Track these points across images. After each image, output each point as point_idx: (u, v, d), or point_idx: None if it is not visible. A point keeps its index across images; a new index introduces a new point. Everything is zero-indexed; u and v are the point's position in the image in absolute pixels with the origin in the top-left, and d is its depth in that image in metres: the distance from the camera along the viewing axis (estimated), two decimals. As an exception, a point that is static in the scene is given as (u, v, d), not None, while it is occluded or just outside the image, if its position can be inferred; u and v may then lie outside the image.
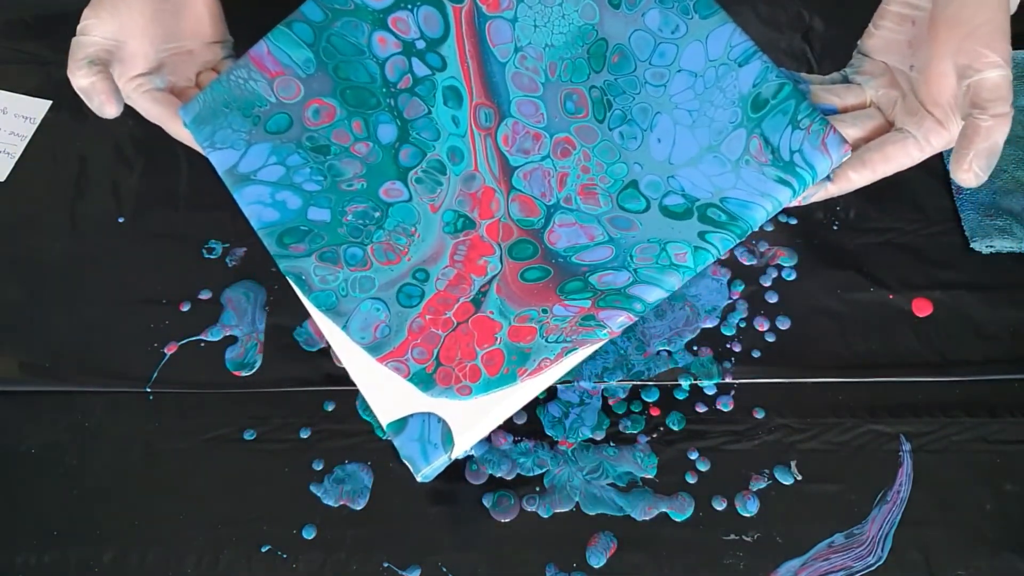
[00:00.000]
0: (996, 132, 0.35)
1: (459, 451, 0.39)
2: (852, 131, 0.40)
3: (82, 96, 0.43)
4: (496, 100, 0.42)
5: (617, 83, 0.41)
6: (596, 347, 0.39)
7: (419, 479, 0.39)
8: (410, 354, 0.39)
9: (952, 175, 0.37)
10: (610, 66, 0.41)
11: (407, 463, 0.39)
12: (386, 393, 0.39)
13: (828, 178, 0.39)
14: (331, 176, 0.42)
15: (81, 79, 0.42)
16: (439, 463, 0.39)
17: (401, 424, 0.39)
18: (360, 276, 0.41)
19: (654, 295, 0.38)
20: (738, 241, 0.38)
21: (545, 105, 0.42)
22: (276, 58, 0.43)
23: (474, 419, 0.39)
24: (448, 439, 0.38)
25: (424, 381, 0.39)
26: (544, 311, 0.39)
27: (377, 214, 0.41)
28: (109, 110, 0.42)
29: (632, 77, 0.41)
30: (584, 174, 0.41)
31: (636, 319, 0.39)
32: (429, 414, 0.39)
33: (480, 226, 0.41)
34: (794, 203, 0.39)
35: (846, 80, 0.42)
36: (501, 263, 0.40)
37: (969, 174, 0.36)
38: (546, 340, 0.38)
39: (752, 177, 0.38)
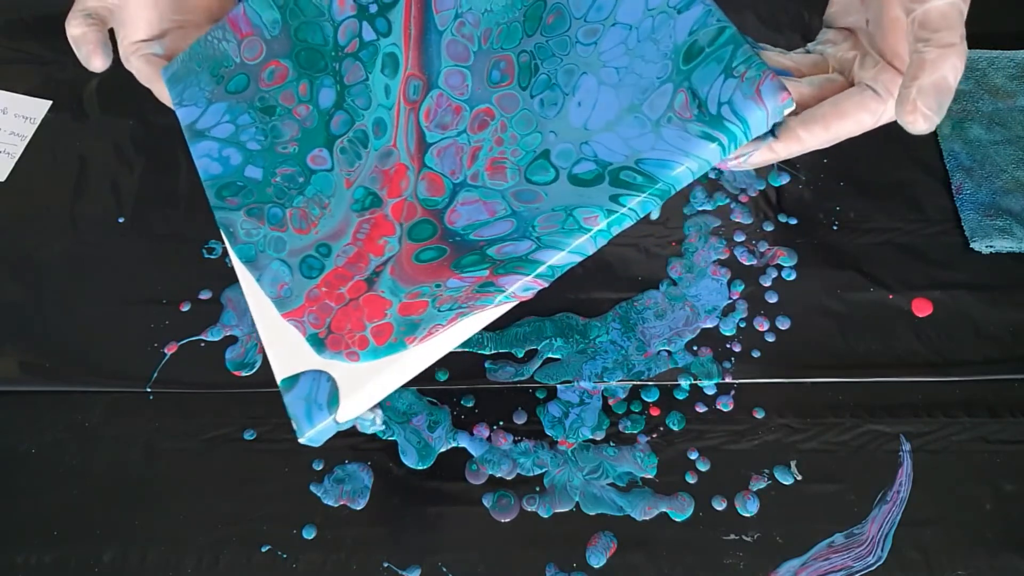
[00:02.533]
0: (943, 64, 0.32)
1: (346, 416, 0.38)
2: (806, 90, 0.37)
3: (72, 45, 0.44)
4: (427, 71, 0.42)
5: (548, 45, 0.39)
6: (498, 311, 0.38)
7: (302, 442, 0.38)
8: (306, 318, 0.40)
9: (898, 120, 0.33)
10: (544, 28, 0.40)
11: (293, 423, 0.38)
12: (285, 349, 0.39)
13: (773, 135, 0.36)
14: (271, 137, 0.43)
15: (74, 28, 0.44)
16: (323, 426, 0.38)
17: (293, 381, 0.39)
18: (275, 236, 0.41)
19: (557, 257, 0.37)
20: (660, 203, 0.36)
21: (472, 75, 0.41)
22: (248, 18, 0.44)
23: (362, 382, 0.38)
24: (334, 400, 0.38)
25: (317, 344, 0.39)
26: (437, 285, 0.38)
27: (301, 179, 0.42)
28: (95, 62, 0.45)
29: (564, 37, 0.39)
30: (497, 146, 0.40)
31: (544, 282, 0.37)
32: (320, 372, 0.38)
33: (386, 205, 0.41)
34: (731, 162, 0.37)
35: (808, 53, 0.40)
36: (399, 244, 0.40)
37: (915, 115, 0.32)
38: (438, 310, 0.38)
39: (673, 136, 0.35)
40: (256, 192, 0.42)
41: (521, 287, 0.37)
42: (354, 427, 0.43)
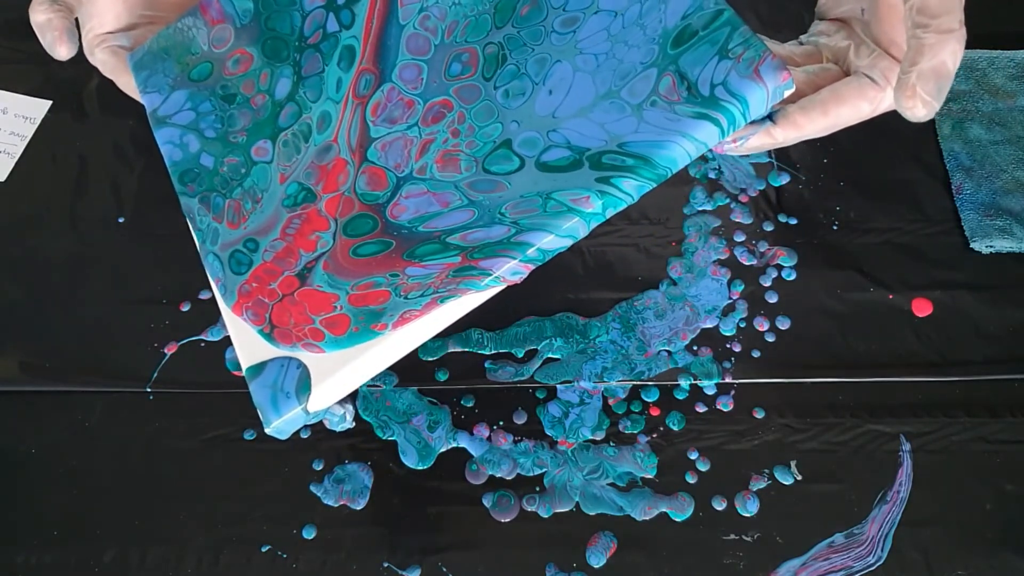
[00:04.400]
0: (942, 49, 0.31)
1: (318, 404, 0.37)
2: (802, 77, 0.37)
3: (37, 32, 0.43)
4: (381, 65, 0.41)
5: (519, 35, 0.38)
6: (486, 294, 0.36)
7: (269, 432, 0.36)
8: (245, 315, 0.39)
9: (897, 107, 0.33)
10: (516, 19, 0.38)
11: (259, 413, 0.37)
12: (251, 337, 0.38)
13: (771, 120, 0.36)
14: (226, 126, 0.43)
15: (39, 15, 0.43)
16: (292, 415, 0.36)
17: (259, 368, 0.37)
18: (215, 227, 0.41)
19: (547, 240, 0.35)
20: (655, 184, 0.34)
21: (428, 69, 0.40)
22: (221, 6, 0.44)
23: (334, 368, 0.36)
24: (304, 387, 0.36)
25: (267, 339, 0.38)
26: (393, 275, 0.37)
27: (243, 170, 0.42)
28: (61, 50, 0.43)
29: (538, 27, 0.38)
30: (453, 138, 0.38)
31: (532, 265, 0.36)
32: (289, 358, 0.37)
33: (320, 200, 0.40)
34: (727, 145, 0.36)
35: (800, 44, 0.40)
36: (333, 239, 0.39)
37: (914, 100, 0.32)
38: (405, 297, 0.36)
39: (658, 118, 0.34)
40: (207, 180, 0.42)
41: (510, 270, 0.36)
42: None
